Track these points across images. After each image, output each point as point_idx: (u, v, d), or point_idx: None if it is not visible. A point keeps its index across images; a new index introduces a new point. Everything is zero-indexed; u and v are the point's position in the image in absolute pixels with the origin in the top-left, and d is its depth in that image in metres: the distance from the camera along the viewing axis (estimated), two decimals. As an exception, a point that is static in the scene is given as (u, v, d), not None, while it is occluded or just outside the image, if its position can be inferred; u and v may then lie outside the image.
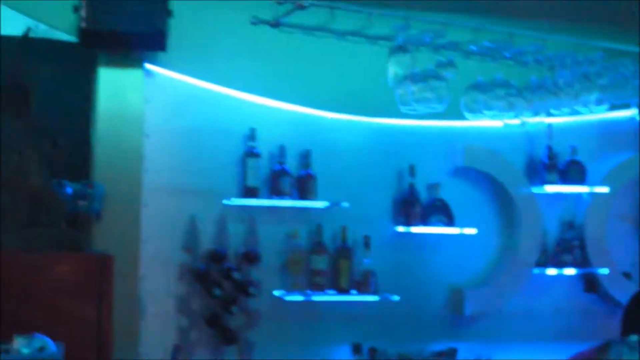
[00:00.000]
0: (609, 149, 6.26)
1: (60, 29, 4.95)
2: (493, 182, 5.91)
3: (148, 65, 5.11)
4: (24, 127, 4.43)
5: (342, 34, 4.35)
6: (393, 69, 4.20)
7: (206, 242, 5.22)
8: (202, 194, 5.22)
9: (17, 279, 4.07)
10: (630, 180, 6.27)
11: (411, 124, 5.59)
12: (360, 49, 4.52)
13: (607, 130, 6.21)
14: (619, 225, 6.28)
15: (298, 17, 4.13)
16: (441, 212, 5.65)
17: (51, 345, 3.62)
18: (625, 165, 6.21)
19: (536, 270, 5.91)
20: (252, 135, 5.26)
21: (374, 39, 4.39)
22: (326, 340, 5.48)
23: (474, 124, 4.81)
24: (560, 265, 5.95)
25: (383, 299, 5.44)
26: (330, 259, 5.42)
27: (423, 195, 5.66)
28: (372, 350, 5.43)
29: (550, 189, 5.94)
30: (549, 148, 5.96)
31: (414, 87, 4.16)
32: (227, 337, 5.17)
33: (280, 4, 3.95)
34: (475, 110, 4.53)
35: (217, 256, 5.16)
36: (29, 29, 4.59)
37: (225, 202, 5.21)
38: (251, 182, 5.25)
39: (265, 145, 5.32)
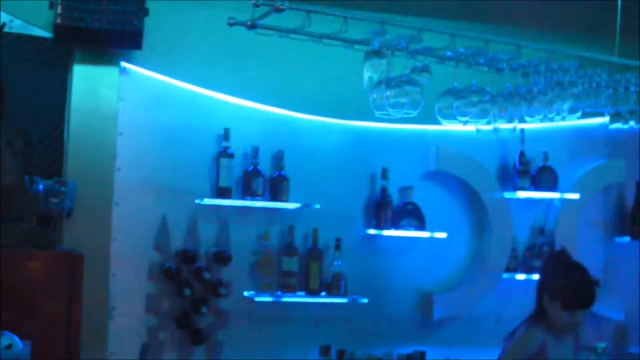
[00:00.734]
0: (580, 156, 6.29)
1: (35, 24, 4.92)
2: (465, 187, 5.93)
3: (123, 63, 5.10)
4: (-4, 122, 4.41)
5: (318, 37, 4.35)
6: (368, 74, 4.21)
7: (177, 242, 5.21)
8: (175, 193, 5.21)
9: (-13, 276, 4.04)
10: (600, 187, 6.32)
11: (385, 127, 5.59)
12: (336, 52, 4.52)
13: (579, 136, 6.25)
14: (588, 231, 6.33)
15: (274, 20, 4.12)
16: (412, 215, 5.66)
17: (19, 343, 3.60)
18: (595, 172, 6.25)
19: (506, 275, 5.95)
20: (226, 135, 5.25)
21: (349, 42, 4.40)
22: (295, 342, 5.48)
23: (448, 128, 4.82)
24: (530, 270, 5.97)
25: (352, 301, 5.45)
26: (301, 261, 5.42)
27: (395, 198, 5.68)
28: (341, 353, 5.44)
29: (522, 194, 5.97)
30: (522, 153, 5.99)
31: (389, 92, 4.17)
32: (197, 337, 5.16)
33: (257, 6, 3.94)
34: (449, 116, 4.54)
35: (188, 256, 5.15)
36: (3, 24, 4.55)
37: (197, 201, 5.20)
38: (224, 182, 5.24)
39: (238, 146, 5.31)
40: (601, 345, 5.93)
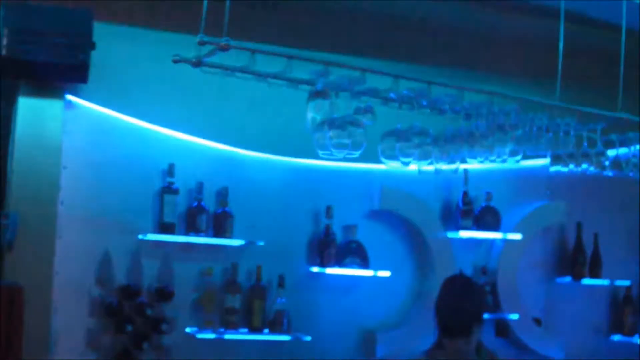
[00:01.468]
0: (523, 197, 6.38)
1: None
2: (409, 226, 5.98)
3: (69, 96, 5.10)
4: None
5: (263, 76, 4.37)
6: (311, 114, 4.22)
7: (120, 277, 5.19)
8: (118, 228, 5.20)
9: None
10: (542, 228, 6.40)
11: (329, 165, 5.60)
12: (280, 91, 4.55)
13: (521, 178, 6.33)
14: (530, 271, 6.39)
15: (220, 58, 4.14)
16: (356, 254, 5.69)
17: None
18: (537, 213, 6.34)
19: (448, 314, 5.97)
20: (170, 171, 5.25)
21: (294, 82, 4.42)
22: (237, 379, 5.47)
23: (392, 168, 4.86)
24: (472, 310, 6.01)
25: (295, 339, 5.45)
26: (244, 298, 5.42)
27: (339, 236, 5.70)
28: (283, 390, 5.45)
29: (464, 234, 6.03)
30: (465, 194, 6.06)
31: (332, 133, 4.18)
32: (137, 373, 5.14)
33: (202, 44, 3.95)
34: (392, 157, 4.57)
35: (130, 291, 5.13)
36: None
37: (140, 237, 5.19)
38: (168, 218, 5.24)
39: (183, 181, 5.32)
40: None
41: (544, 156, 5.40)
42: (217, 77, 4.42)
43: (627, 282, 6.61)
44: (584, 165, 5.21)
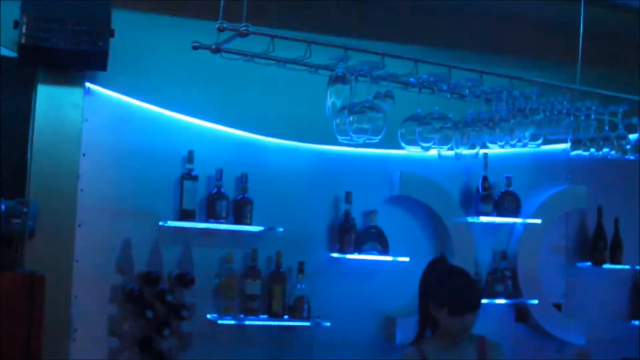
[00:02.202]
0: (543, 181, 6.36)
1: (0, 43, 4.91)
2: (428, 211, 5.96)
3: (88, 84, 5.10)
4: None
5: (282, 62, 4.37)
6: (331, 99, 4.22)
7: (140, 264, 5.20)
8: (138, 215, 5.20)
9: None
10: (562, 213, 6.38)
11: (349, 151, 5.62)
12: (300, 76, 4.55)
13: (542, 162, 6.31)
14: (550, 256, 6.38)
15: (239, 44, 4.14)
16: (376, 239, 5.69)
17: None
18: (557, 197, 6.32)
19: (468, 300, 5.96)
20: (190, 158, 5.25)
21: (313, 67, 4.42)
22: (258, 365, 5.49)
23: (412, 153, 4.85)
24: (492, 295, 6.00)
25: (315, 324, 5.45)
26: (264, 284, 5.42)
27: (359, 222, 5.69)
28: (303, 376, 5.46)
29: (484, 219, 6.01)
30: (485, 179, 6.04)
31: (351, 118, 4.18)
32: (159, 359, 5.14)
33: (221, 30, 3.95)
34: (412, 142, 4.56)
35: (150, 278, 5.14)
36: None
37: (160, 224, 5.19)
38: (188, 204, 5.24)
39: (202, 168, 5.31)
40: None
41: (565, 140, 5.37)
42: (236, 64, 4.43)
43: (648, 267, 6.60)
44: (605, 149, 5.20)
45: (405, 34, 5.74)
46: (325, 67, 4.40)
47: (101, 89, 5.15)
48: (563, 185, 6.38)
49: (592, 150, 5.20)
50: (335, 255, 5.64)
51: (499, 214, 6.05)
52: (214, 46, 4.20)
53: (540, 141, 4.88)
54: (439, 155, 4.71)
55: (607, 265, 6.44)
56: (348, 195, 5.64)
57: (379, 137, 4.26)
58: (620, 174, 6.37)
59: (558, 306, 6.35)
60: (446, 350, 3.92)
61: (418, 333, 4.01)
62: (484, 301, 5.84)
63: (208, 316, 5.30)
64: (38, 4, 4.69)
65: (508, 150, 5.09)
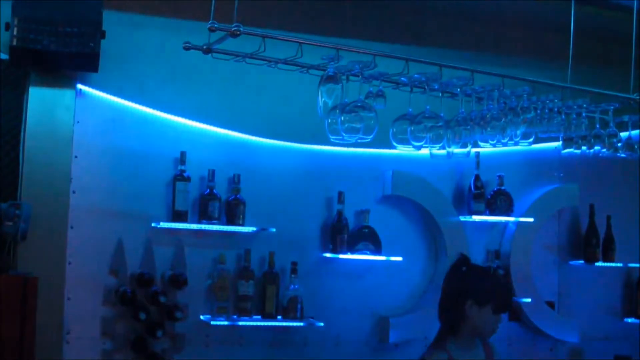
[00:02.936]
0: (535, 179, 6.37)
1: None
2: (421, 210, 5.97)
3: (79, 86, 5.09)
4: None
5: (273, 62, 4.37)
6: (323, 99, 4.21)
7: (133, 265, 5.19)
8: (130, 216, 5.20)
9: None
10: (555, 211, 6.39)
11: (341, 150, 5.64)
12: (291, 76, 4.55)
13: (534, 160, 6.32)
14: (543, 255, 6.39)
15: (230, 44, 4.14)
16: (368, 239, 5.69)
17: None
18: (550, 195, 6.33)
19: (462, 299, 5.97)
20: (182, 159, 5.25)
21: (305, 67, 4.42)
22: (251, 366, 5.48)
23: (404, 152, 4.86)
24: (485, 294, 6.01)
25: (309, 325, 5.45)
26: (257, 284, 5.42)
27: (351, 222, 5.70)
28: (297, 376, 5.45)
29: (477, 218, 6.02)
30: (477, 177, 6.05)
31: (343, 117, 4.18)
32: (152, 361, 5.15)
33: (213, 30, 3.95)
34: (404, 141, 4.56)
35: (143, 279, 5.13)
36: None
37: (153, 225, 5.19)
38: (180, 206, 5.24)
39: (195, 169, 5.31)
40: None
41: (556, 138, 5.38)
42: (228, 64, 4.43)
43: (641, 265, 6.61)
44: (597, 147, 5.20)
45: (395, 34, 5.75)
46: (317, 67, 4.40)
47: (93, 90, 5.14)
48: (555, 183, 6.39)
49: (584, 148, 5.21)
50: (328, 255, 5.64)
51: (492, 213, 6.06)
52: (205, 47, 4.20)
53: (531, 140, 4.89)
54: (431, 155, 4.71)
55: (599, 263, 6.45)
56: (340, 194, 5.64)
57: (371, 136, 4.26)
58: (612, 172, 6.40)
59: (551, 304, 6.36)
60: (465, 350, 3.97)
61: (442, 333, 4.04)
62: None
63: (201, 317, 5.30)
64: (29, 5, 4.67)
65: (500, 149, 5.09)
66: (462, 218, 6.02)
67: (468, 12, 5.95)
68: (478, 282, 4.03)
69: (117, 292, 5.11)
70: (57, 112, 5.04)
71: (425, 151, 4.73)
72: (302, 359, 5.57)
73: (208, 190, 5.31)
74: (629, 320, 6.61)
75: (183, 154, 5.25)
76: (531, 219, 6.15)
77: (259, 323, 5.40)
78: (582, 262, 6.45)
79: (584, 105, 5.03)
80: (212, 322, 5.26)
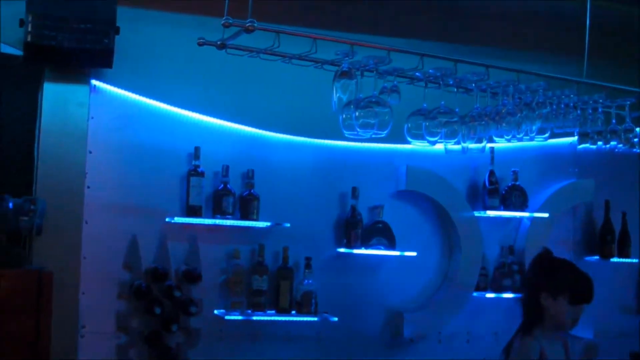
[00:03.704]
0: (550, 175, 6.36)
1: (6, 42, 4.90)
2: (435, 206, 5.96)
3: (94, 81, 5.10)
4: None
5: (288, 58, 4.37)
6: (337, 94, 4.21)
7: (147, 260, 5.19)
8: (145, 211, 5.20)
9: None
10: (570, 207, 6.37)
11: (355, 145, 5.64)
12: (305, 71, 4.55)
13: (548, 156, 6.31)
14: (557, 250, 6.33)
15: (245, 40, 4.14)
16: (382, 234, 5.68)
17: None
18: (564, 191, 6.31)
19: (476, 294, 5.97)
20: (196, 154, 5.25)
21: (319, 63, 4.42)
22: (265, 360, 5.49)
23: (418, 147, 4.85)
24: (499, 289, 6.00)
25: (323, 320, 5.44)
26: (271, 279, 5.42)
27: (365, 217, 5.69)
28: (311, 371, 5.45)
29: (491, 213, 6.00)
30: (491, 173, 6.03)
31: (358, 113, 4.18)
32: (167, 355, 5.14)
33: (227, 26, 3.95)
34: (418, 136, 4.56)
35: (158, 274, 5.14)
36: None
37: (167, 220, 5.20)
38: (194, 201, 5.24)
39: (209, 164, 5.31)
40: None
41: (572, 134, 5.37)
42: (242, 59, 4.43)
43: (656, 261, 6.59)
44: (613, 143, 5.19)
45: (410, 30, 5.73)
46: (331, 63, 4.40)
47: (107, 86, 5.15)
48: (570, 179, 6.37)
49: (600, 143, 5.19)
50: (342, 250, 5.64)
51: (506, 208, 6.05)
52: (219, 42, 4.20)
53: (547, 135, 4.88)
54: (446, 150, 4.70)
55: (614, 259, 6.44)
56: (354, 190, 5.63)
57: (386, 131, 4.26)
58: (628, 168, 6.37)
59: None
60: (550, 342, 4.03)
61: (527, 324, 4.16)
62: (490, 295, 5.92)
63: (215, 312, 5.31)
64: (43, 2, 4.68)
65: (515, 144, 5.09)
66: (476, 213, 6.01)
67: (483, 7, 5.93)
68: (551, 273, 4.10)
69: (132, 287, 5.12)
70: (71, 107, 5.05)
71: (439, 146, 4.73)
72: (316, 354, 5.56)
73: (222, 186, 5.31)
74: (644, 316, 6.60)
75: (197, 149, 5.25)
76: (546, 215, 6.14)
77: (273, 318, 5.40)
78: (597, 257, 6.44)
79: (600, 101, 5.02)
80: (226, 317, 5.26)
